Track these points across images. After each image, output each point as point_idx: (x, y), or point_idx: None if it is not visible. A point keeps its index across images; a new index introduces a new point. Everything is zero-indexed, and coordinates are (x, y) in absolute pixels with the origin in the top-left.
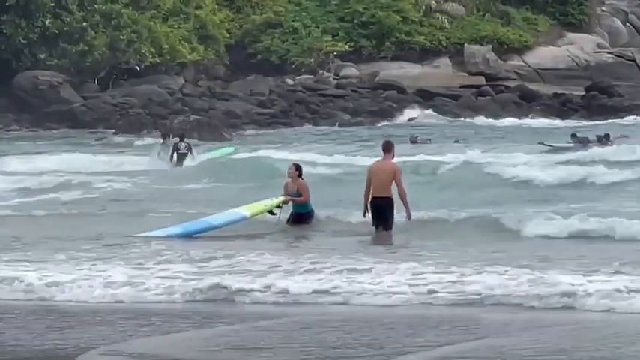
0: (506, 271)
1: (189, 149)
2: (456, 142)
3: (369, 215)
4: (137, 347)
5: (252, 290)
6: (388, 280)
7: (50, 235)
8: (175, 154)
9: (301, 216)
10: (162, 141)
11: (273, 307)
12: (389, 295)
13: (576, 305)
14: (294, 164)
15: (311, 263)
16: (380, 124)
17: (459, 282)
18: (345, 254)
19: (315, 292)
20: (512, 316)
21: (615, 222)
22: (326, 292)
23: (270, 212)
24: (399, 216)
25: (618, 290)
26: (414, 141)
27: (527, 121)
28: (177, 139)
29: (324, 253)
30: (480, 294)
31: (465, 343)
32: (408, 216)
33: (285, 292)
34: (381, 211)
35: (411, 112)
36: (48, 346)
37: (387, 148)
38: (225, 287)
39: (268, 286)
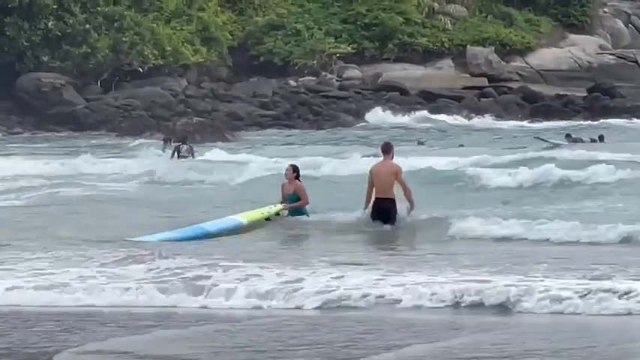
0: (456, 273)
1: (191, 152)
2: (461, 145)
3: (368, 211)
4: (121, 346)
5: (250, 291)
6: (351, 283)
7: (37, 235)
8: (176, 155)
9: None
10: (163, 144)
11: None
12: (358, 298)
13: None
14: (292, 165)
15: (304, 264)
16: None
17: (425, 284)
18: (333, 256)
19: (313, 292)
20: (472, 319)
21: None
22: (320, 292)
23: (268, 220)
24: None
25: (582, 291)
26: (420, 143)
27: (530, 123)
28: (179, 143)
29: (316, 254)
30: (451, 297)
31: (431, 343)
32: (412, 208)
33: (280, 293)
34: (384, 212)
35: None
36: (24, 348)
37: (386, 149)
38: (225, 289)
39: (264, 288)
